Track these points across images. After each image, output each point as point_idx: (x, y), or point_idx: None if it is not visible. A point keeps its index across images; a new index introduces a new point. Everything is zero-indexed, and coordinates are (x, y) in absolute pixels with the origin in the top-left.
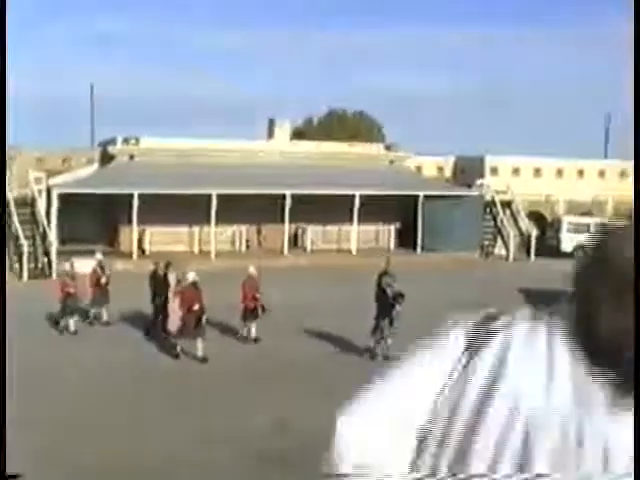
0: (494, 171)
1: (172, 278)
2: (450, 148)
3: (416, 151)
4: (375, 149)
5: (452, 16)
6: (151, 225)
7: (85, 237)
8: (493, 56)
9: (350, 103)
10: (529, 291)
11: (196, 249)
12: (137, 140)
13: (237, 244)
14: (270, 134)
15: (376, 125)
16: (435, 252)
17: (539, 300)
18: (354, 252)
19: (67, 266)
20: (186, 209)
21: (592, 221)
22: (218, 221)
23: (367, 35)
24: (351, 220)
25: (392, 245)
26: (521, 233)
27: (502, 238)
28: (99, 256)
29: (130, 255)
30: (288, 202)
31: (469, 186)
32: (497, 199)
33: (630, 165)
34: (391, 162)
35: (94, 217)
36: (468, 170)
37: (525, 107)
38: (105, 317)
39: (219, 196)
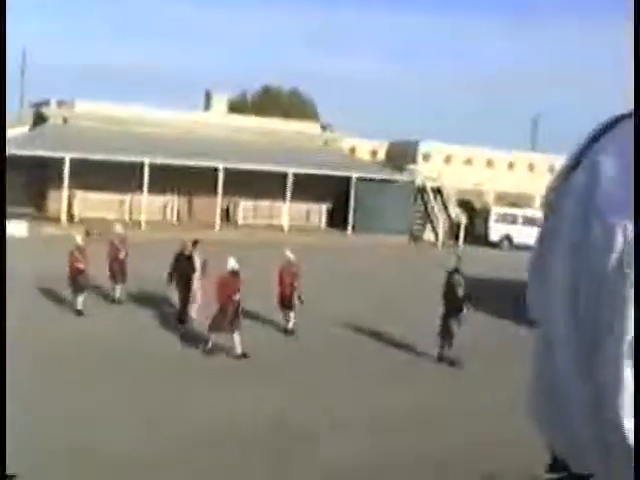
0: (426, 157)
1: (197, 260)
2: (384, 132)
3: (350, 133)
4: (311, 128)
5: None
6: (82, 190)
7: (13, 200)
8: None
9: (285, 81)
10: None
11: (126, 218)
12: (72, 103)
13: (168, 215)
14: (207, 106)
15: (310, 104)
16: (365, 234)
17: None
18: (285, 229)
19: (78, 240)
20: (118, 176)
21: (519, 212)
22: (150, 190)
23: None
24: (284, 197)
25: (323, 224)
26: (450, 220)
27: (432, 224)
28: (119, 229)
29: (58, 220)
30: (221, 175)
31: (401, 171)
32: (428, 185)
33: (558, 160)
34: (326, 142)
35: (23, 179)
36: (401, 155)
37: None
38: (118, 294)
39: (152, 165)
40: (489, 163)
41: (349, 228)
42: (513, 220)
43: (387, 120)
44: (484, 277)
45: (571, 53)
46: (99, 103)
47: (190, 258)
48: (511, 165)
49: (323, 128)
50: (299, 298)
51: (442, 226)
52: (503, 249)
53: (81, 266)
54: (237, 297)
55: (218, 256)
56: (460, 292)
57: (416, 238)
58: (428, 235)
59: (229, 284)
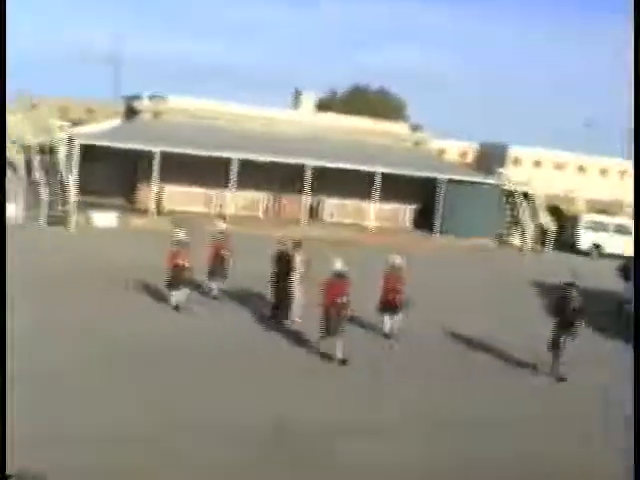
0: (516, 161)
1: (299, 260)
2: (473, 134)
3: (439, 134)
4: (399, 128)
5: None
6: (170, 184)
7: (103, 190)
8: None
9: (374, 81)
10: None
11: (212, 211)
12: (164, 98)
13: (255, 210)
14: (296, 104)
15: (398, 104)
16: (451, 236)
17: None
18: (371, 228)
19: (180, 234)
20: (207, 172)
21: (610, 220)
22: (239, 186)
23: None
24: (370, 196)
25: (409, 225)
26: (539, 226)
27: (519, 229)
28: (222, 225)
29: (147, 212)
30: (309, 173)
31: (490, 174)
32: (517, 190)
33: None
34: (415, 143)
35: (114, 171)
36: (490, 158)
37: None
38: (215, 292)
39: (241, 161)
40: (580, 169)
41: (436, 230)
42: (603, 228)
43: (477, 122)
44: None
45: None
46: (191, 99)
47: (291, 258)
48: (603, 172)
49: (412, 129)
50: (400, 304)
51: (530, 231)
52: (592, 257)
53: (181, 262)
54: (343, 300)
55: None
56: (574, 306)
57: (503, 242)
58: (515, 240)
59: (336, 287)
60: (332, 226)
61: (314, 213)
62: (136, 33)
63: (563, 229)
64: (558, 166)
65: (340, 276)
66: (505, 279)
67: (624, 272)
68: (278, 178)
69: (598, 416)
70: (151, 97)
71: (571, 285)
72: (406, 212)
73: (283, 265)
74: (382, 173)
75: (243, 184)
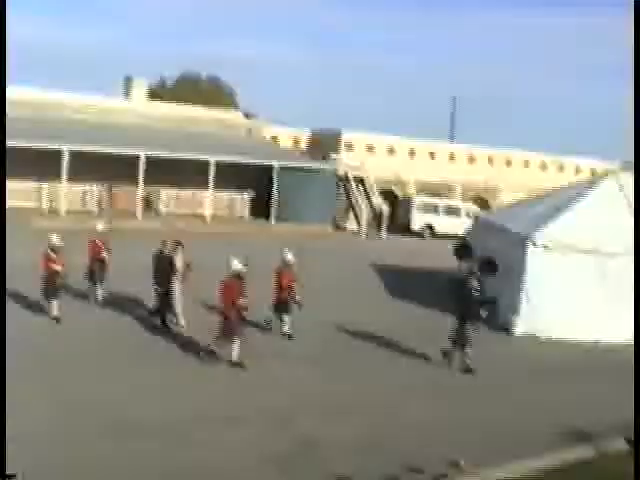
0: (349, 146)
1: (179, 260)
2: (305, 121)
3: (272, 121)
4: (232, 116)
5: None
6: None
7: None
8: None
9: (201, 68)
10: (382, 266)
11: (45, 206)
12: None
13: (88, 204)
14: (127, 92)
15: (229, 91)
16: (288, 222)
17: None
18: (208, 218)
19: (53, 238)
20: (36, 164)
21: (441, 202)
22: (70, 179)
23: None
24: (206, 186)
25: (246, 213)
26: (373, 209)
27: (354, 213)
28: (101, 226)
29: None
30: (142, 164)
31: (324, 159)
32: (351, 174)
33: (478, 151)
34: (248, 131)
35: None
36: (323, 144)
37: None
38: (100, 296)
39: (72, 153)
40: (411, 153)
41: (272, 217)
42: (435, 210)
43: (308, 108)
44: (408, 266)
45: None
46: (15, 88)
47: (171, 259)
48: (432, 155)
49: (245, 116)
50: (296, 302)
51: (365, 215)
52: (425, 238)
53: (57, 267)
54: (242, 302)
55: (141, 245)
56: (477, 297)
57: (339, 227)
58: (351, 224)
59: (232, 288)
60: (168, 217)
61: (150, 204)
62: None
63: (396, 212)
64: (390, 150)
65: (238, 276)
66: (346, 262)
67: (458, 252)
68: (112, 169)
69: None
70: None
71: (472, 273)
72: (243, 200)
73: (164, 267)
74: (216, 162)
75: (76, 177)
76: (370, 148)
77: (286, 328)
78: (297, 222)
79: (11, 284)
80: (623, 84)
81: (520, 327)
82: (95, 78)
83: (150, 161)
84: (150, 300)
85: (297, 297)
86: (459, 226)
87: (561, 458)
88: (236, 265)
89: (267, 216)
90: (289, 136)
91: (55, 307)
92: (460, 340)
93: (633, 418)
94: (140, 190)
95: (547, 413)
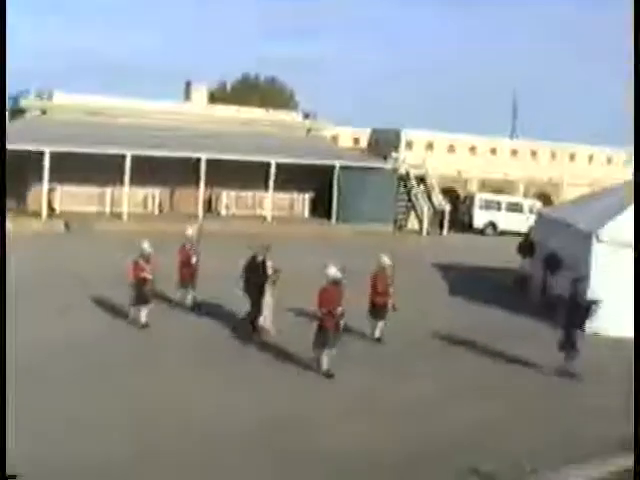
0: (409, 145)
1: (269, 265)
2: (365, 119)
3: (333, 121)
4: (292, 117)
5: None
6: (62, 184)
7: None
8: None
9: (262, 69)
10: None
11: (107, 210)
12: (50, 94)
13: (150, 206)
14: (187, 96)
15: (288, 92)
16: (349, 223)
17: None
18: (269, 219)
19: (144, 246)
20: (99, 169)
21: (503, 199)
22: (131, 183)
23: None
24: (266, 187)
25: (306, 214)
26: (434, 208)
27: (415, 212)
28: (190, 231)
29: (39, 214)
30: (203, 166)
31: (385, 158)
32: (412, 173)
33: (540, 145)
34: (308, 131)
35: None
36: (384, 143)
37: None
38: (189, 302)
39: (133, 157)
40: (472, 149)
41: (333, 217)
42: (497, 206)
43: (369, 107)
44: (469, 264)
45: (554, 38)
46: (78, 94)
47: (263, 264)
48: (493, 151)
49: (305, 116)
50: (393, 307)
51: (426, 214)
52: (488, 235)
53: (147, 275)
54: (339, 311)
55: (203, 247)
56: (583, 300)
57: (400, 227)
58: (412, 223)
59: (331, 296)
60: (229, 219)
61: (210, 206)
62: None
63: (458, 209)
64: (450, 148)
65: (336, 283)
66: (409, 262)
67: (522, 249)
68: (173, 172)
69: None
70: (37, 94)
71: (579, 280)
72: (303, 201)
73: (257, 272)
74: (277, 163)
75: (137, 180)
76: (430, 146)
77: (377, 333)
78: (358, 222)
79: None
80: None
81: (587, 326)
82: (158, 84)
83: (211, 163)
84: (238, 306)
85: (392, 301)
86: (522, 222)
87: None
88: (334, 272)
89: (328, 216)
90: (349, 136)
91: (144, 314)
92: (567, 345)
93: (633, 417)
94: (201, 192)
95: None
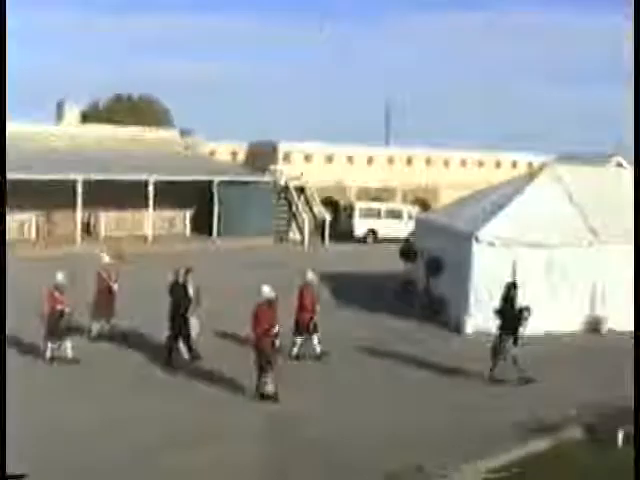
0: (287, 157)
1: (191, 287)
2: (241, 134)
3: (209, 136)
4: (168, 134)
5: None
6: None
7: None
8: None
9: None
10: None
11: None
12: None
13: (26, 232)
14: (59, 117)
15: (163, 110)
16: (230, 238)
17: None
18: (149, 238)
19: (58, 277)
20: None
21: (382, 207)
22: (7, 209)
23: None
24: (146, 206)
25: (188, 231)
26: (315, 218)
27: (296, 223)
28: (106, 258)
29: None
30: (80, 188)
31: (263, 172)
32: (291, 185)
33: (415, 152)
34: (185, 147)
35: None
36: (261, 156)
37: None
38: (95, 332)
39: (8, 182)
40: (349, 159)
41: (214, 233)
42: (376, 214)
43: (244, 122)
44: (354, 272)
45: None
46: None
47: (185, 287)
48: (370, 160)
49: (181, 133)
50: (314, 326)
51: (307, 225)
52: (369, 243)
53: (65, 307)
54: (276, 330)
55: (85, 271)
56: (517, 307)
57: (282, 238)
58: (294, 234)
59: (265, 317)
60: (109, 240)
61: (89, 229)
62: None
63: (338, 219)
64: (328, 158)
65: (270, 302)
66: (290, 273)
67: (404, 255)
68: (49, 196)
69: None
70: None
71: (513, 286)
72: (184, 218)
73: (180, 296)
74: (155, 181)
75: (11, 206)
76: (308, 157)
77: (318, 348)
78: (239, 236)
79: None
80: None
81: (470, 325)
82: (24, 105)
83: (88, 185)
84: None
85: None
86: (402, 229)
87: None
88: (268, 292)
89: (209, 232)
90: (226, 150)
91: (69, 347)
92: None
93: (633, 415)
94: (78, 215)
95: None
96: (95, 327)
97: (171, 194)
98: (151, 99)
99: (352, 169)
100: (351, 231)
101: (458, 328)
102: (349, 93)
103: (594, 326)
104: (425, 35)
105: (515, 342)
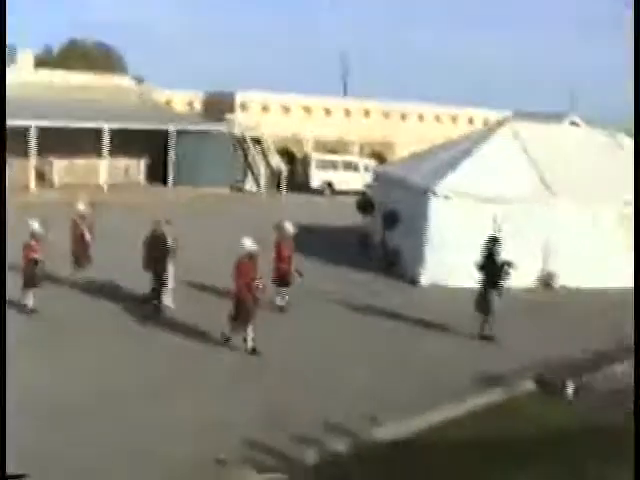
0: (244, 107)
1: (171, 240)
2: (198, 83)
3: (164, 85)
4: (123, 81)
5: None
6: None
7: None
8: None
9: (88, 33)
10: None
11: None
12: None
13: None
14: (11, 62)
15: (117, 57)
16: (186, 186)
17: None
18: (104, 187)
19: (34, 225)
20: None
21: (339, 159)
22: None
23: None
24: (100, 154)
25: (142, 180)
26: (271, 169)
27: (252, 174)
28: (81, 206)
29: None
30: (33, 135)
31: (220, 121)
32: (247, 135)
33: (372, 105)
34: (140, 95)
35: None
36: (218, 106)
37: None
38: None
39: None
40: (306, 110)
41: (169, 182)
42: (333, 166)
43: (199, 71)
44: (312, 224)
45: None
46: None
47: (164, 238)
48: (328, 112)
49: (136, 81)
50: (299, 273)
51: (263, 175)
52: (325, 195)
53: (38, 256)
54: (259, 283)
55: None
56: (499, 262)
57: (238, 189)
58: (250, 185)
59: (247, 270)
60: (64, 188)
61: (43, 176)
62: None
63: (295, 170)
64: (285, 109)
65: (251, 256)
66: (249, 223)
67: (361, 207)
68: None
69: None
70: None
71: (495, 241)
72: (139, 166)
73: (158, 246)
74: (110, 129)
75: None
76: (265, 108)
77: (280, 300)
78: (194, 185)
79: None
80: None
81: (425, 278)
82: None
83: (41, 132)
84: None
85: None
86: (358, 181)
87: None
88: (250, 245)
89: (164, 181)
90: (182, 100)
91: (31, 297)
92: (486, 309)
93: (633, 411)
94: (32, 162)
95: None
96: (74, 275)
97: (126, 142)
98: (105, 46)
99: (309, 120)
100: (307, 182)
101: (413, 280)
102: (307, 43)
103: (547, 281)
104: None
105: (499, 296)
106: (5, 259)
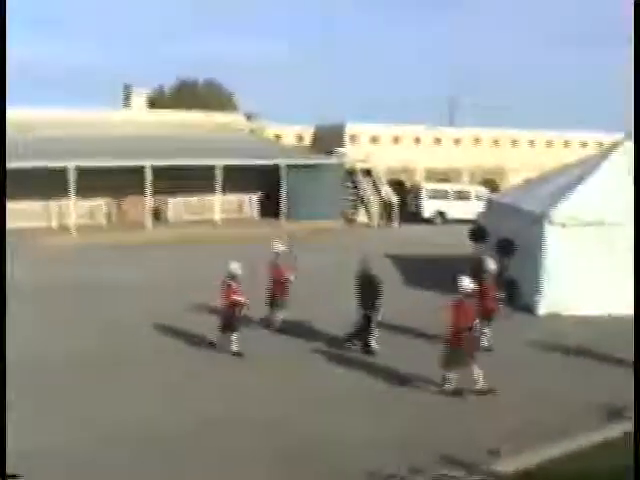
0: (354, 139)
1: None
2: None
3: (274, 120)
4: (234, 118)
5: None
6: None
7: None
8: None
9: (198, 72)
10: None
11: (54, 224)
12: None
13: (97, 217)
14: (126, 103)
15: (227, 94)
16: (298, 221)
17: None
18: (218, 222)
19: (233, 266)
20: (42, 184)
21: (450, 187)
22: (77, 195)
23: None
24: (214, 190)
25: (256, 215)
26: (383, 200)
27: (364, 206)
28: (280, 246)
29: None
30: (149, 174)
31: (330, 154)
32: (358, 167)
33: (482, 133)
34: (251, 131)
35: None
36: (328, 138)
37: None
38: (277, 324)
39: (77, 169)
40: (416, 140)
41: (282, 216)
42: (444, 195)
43: (310, 105)
44: (427, 254)
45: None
46: (13, 108)
47: (372, 277)
48: (438, 141)
49: (247, 117)
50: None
51: (375, 207)
52: (437, 224)
53: (241, 298)
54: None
55: (154, 255)
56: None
57: (351, 221)
58: (362, 217)
59: (466, 311)
60: (178, 225)
61: (158, 214)
62: None
63: (406, 200)
64: (395, 139)
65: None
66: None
67: (474, 236)
68: (118, 182)
69: None
70: None
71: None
72: (251, 202)
73: (369, 286)
74: (222, 165)
75: (82, 193)
76: (375, 139)
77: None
78: (307, 219)
79: None
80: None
81: (543, 307)
82: (93, 93)
83: (156, 170)
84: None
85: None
86: (470, 210)
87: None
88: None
89: (277, 215)
90: (293, 134)
91: (236, 341)
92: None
93: (633, 412)
94: (148, 200)
95: None
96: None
97: (238, 178)
98: (215, 83)
99: (419, 150)
100: (419, 212)
101: (530, 309)
102: (415, 74)
103: None
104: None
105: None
106: (5, 259)
